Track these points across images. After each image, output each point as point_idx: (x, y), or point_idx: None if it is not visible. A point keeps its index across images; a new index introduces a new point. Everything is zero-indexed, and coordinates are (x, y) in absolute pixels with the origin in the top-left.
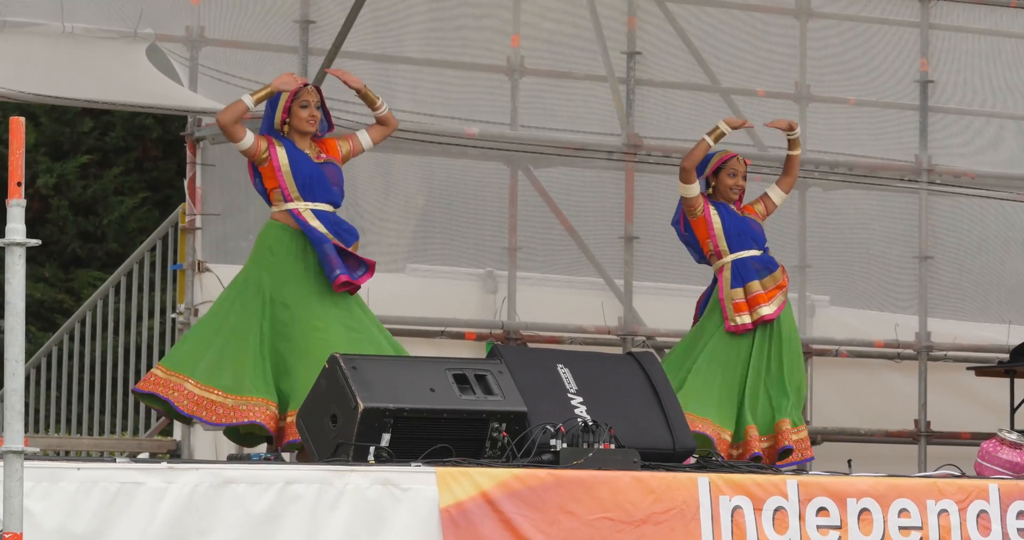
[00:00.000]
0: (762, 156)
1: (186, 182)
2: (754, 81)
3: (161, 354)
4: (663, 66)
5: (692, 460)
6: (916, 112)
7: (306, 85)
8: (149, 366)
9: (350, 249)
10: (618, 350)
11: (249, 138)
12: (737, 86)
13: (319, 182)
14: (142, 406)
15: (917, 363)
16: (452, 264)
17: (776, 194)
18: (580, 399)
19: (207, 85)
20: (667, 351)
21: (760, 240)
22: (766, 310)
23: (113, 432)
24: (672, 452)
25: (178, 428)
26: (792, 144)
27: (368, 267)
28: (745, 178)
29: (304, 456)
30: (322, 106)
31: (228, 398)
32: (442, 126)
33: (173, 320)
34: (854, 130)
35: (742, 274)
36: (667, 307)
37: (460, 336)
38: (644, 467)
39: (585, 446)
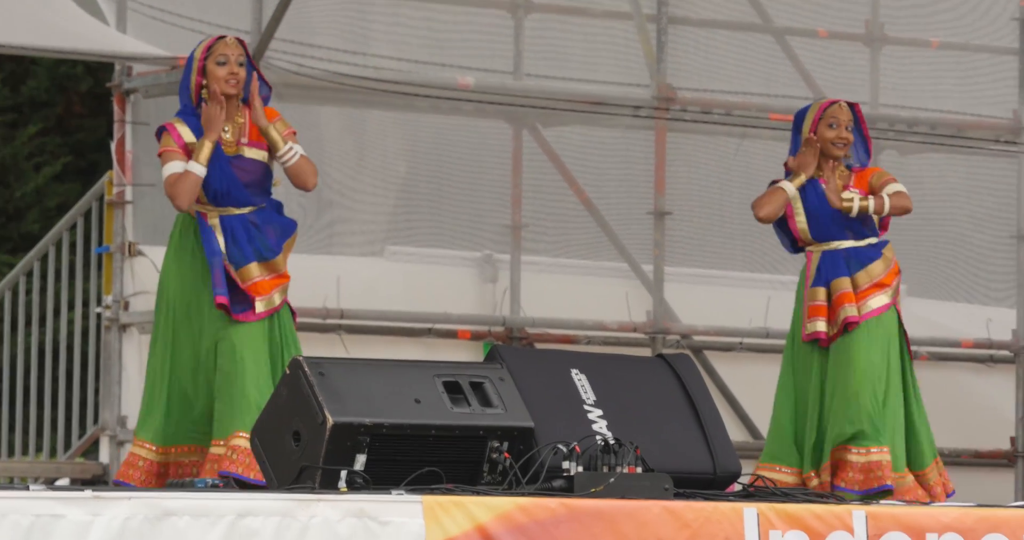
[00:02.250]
0: None
1: (113, 145)
2: (815, 19)
3: (84, 356)
4: (702, 0)
5: (736, 487)
6: (1015, 57)
7: (222, 37)
8: (69, 370)
9: (257, 266)
10: (646, 352)
11: (178, 165)
12: (794, 25)
13: (232, 185)
14: (60, 422)
15: (1014, 367)
16: (442, 246)
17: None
18: (599, 412)
19: (139, 24)
20: (706, 353)
21: (857, 227)
22: (850, 311)
23: (26, 453)
24: (712, 477)
25: (105, 449)
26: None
27: (250, 305)
28: (850, 128)
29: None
30: (249, 63)
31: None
32: (429, 75)
33: (99, 315)
34: (937, 79)
35: (825, 270)
36: (706, 298)
37: (452, 335)
38: (677, 495)
39: (605, 470)
